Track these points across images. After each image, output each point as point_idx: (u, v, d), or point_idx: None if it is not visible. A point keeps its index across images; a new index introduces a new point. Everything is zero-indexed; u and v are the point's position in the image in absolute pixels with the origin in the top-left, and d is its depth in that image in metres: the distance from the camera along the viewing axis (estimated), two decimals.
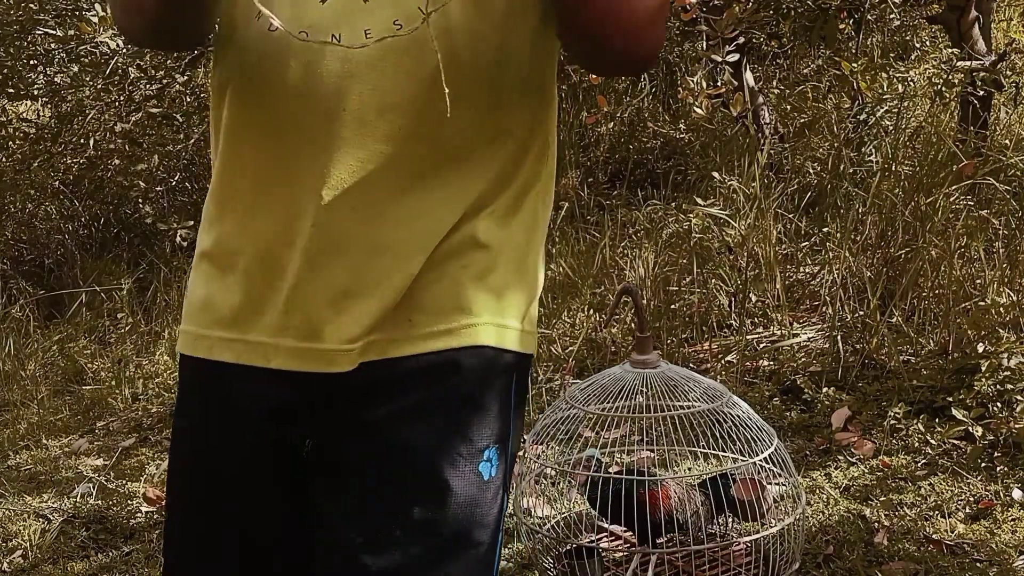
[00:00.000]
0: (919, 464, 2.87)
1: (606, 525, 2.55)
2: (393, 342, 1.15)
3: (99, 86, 5.63)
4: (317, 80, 1.11)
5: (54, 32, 4.88)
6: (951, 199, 3.81)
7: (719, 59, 4.03)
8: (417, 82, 1.10)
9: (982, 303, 3.42)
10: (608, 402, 2.32)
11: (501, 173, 1.17)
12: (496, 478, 1.18)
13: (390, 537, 1.13)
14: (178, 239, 5.24)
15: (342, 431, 1.17)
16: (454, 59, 1.09)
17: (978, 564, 2.41)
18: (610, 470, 2.52)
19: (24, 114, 6.48)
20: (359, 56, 1.09)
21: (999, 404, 2.97)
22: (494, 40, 1.12)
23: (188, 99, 5.45)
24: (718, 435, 2.41)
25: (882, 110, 4.57)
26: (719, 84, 4.21)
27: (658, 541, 2.40)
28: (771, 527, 2.34)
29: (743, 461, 2.35)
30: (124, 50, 4.88)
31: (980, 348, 3.18)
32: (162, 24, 1.13)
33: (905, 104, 4.48)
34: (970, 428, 2.89)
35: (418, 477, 1.15)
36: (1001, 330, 3.24)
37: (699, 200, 4.14)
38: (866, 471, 2.88)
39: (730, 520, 2.49)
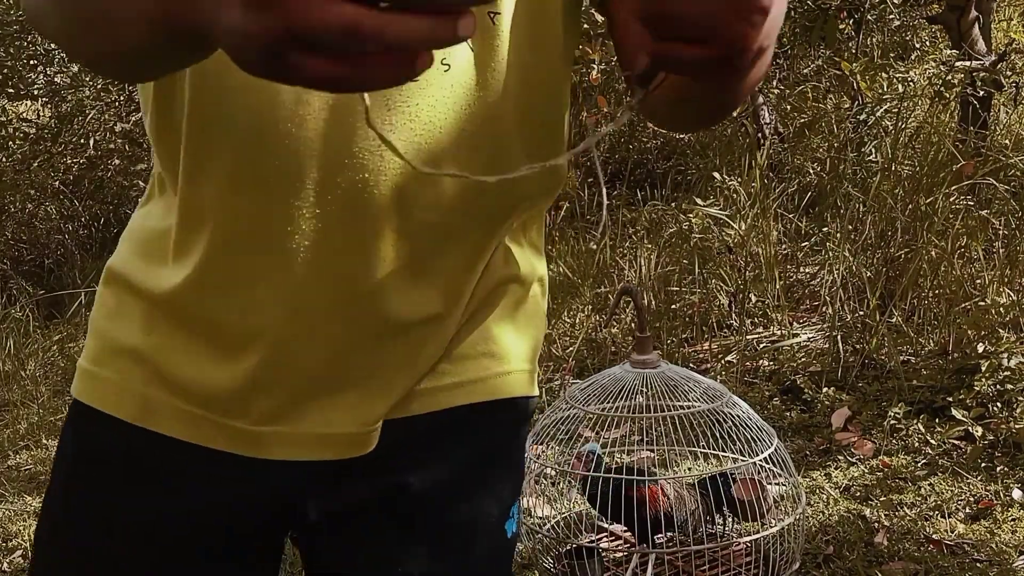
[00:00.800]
0: (919, 464, 2.87)
1: (606, 525, 2.55)
2: (417, 397, 0.99)
3: (99, 86, 5.64)
4: (349, 145, 0.87)
5: None
6: (951, 199, 3.81)
7: None
8: (471, 145, 0.91)
9: (982, 303, 3.42)
10: (608, 402, 2.32)
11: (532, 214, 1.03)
12: (518, 531, 1.09)
13: None
14: None
15: (352, 494, 1.00)
16: (511, 108, 0.92)
17: (978, 564, 2.41)
18: (610, 469, 2.51)
19: (24, 114, 6.49)
20: (395, 116, 0.87)
21: (999, 404, 2.97)
22: (551, 85, 0.95)
23: None
24: (718, 435, 2.41)
25: (882, 110, 4.58)
26: None
27: (656, 540, 2.40)
28: (771, 527, 2.34)
29: (743, 461, 2.35)
30: None
31: (980, 348, 3.18)
32: (136, 67, 0.79)
33: (905, 104, 4.48)
34: (970, 428, 2.89)
35: (444, 539, 1.03)
36: (1001, 330, 3.24)
37: (699, 200, 4.14)
38: (866, 471, 2.88)
39: (730, 520, 2.49)
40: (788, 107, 5.56)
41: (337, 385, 0.95)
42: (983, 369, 3.04)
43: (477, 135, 0.91)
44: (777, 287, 3.83)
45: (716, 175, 4.33)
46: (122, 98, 5.65)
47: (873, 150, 4.52)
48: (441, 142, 0.89)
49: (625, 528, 2.48)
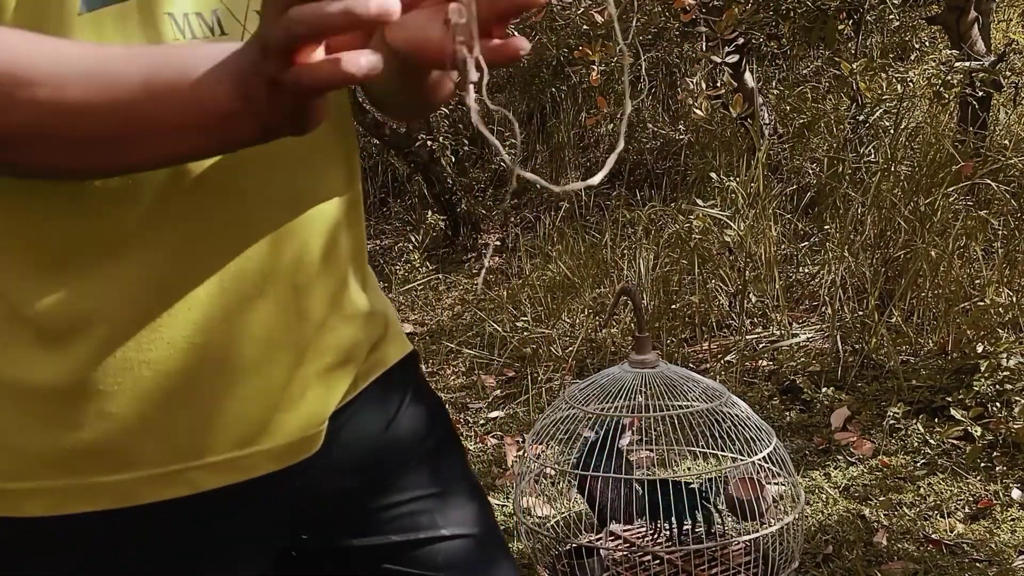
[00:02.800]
0: (918, 464, 2.88)
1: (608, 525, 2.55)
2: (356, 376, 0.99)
3: None
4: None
5: None
6: (950, 199, 3.82)
7: (718, 60, 4.03)
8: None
9: (981, 303, 3.43)
10: (608, 402, 2.32)
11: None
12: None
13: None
14: None
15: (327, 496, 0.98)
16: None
17: (977, 564, 2.41)
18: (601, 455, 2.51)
19: None
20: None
21: (998, 404, 2.98)
22: None
23: None
24: (717, 435, 2.41)
25: (881, 110, 4.58)
26: (718, 85, 4.21)
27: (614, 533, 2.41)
28: (770, 526, 2.34)
29: (742, 460, 2.35)
30: None
31: (979, 348, 3.18)
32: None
33: (904, 104, 4.48)
34: (969, 428, 2.89)
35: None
36: (1000, 330, 3.24)
37: (699, 201, 4.15)
38: (865, 471, 2.88)
39: (728, 519, 2.49)
40: (787, 107, 5.56)
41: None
42: (982, 369, 3.05)
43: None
44: (776, 287, 3.84)
45: (715, 176, 4.33)
46: None
47: (872, 150, 4.53)
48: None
49: (626, 527, 2.49)
